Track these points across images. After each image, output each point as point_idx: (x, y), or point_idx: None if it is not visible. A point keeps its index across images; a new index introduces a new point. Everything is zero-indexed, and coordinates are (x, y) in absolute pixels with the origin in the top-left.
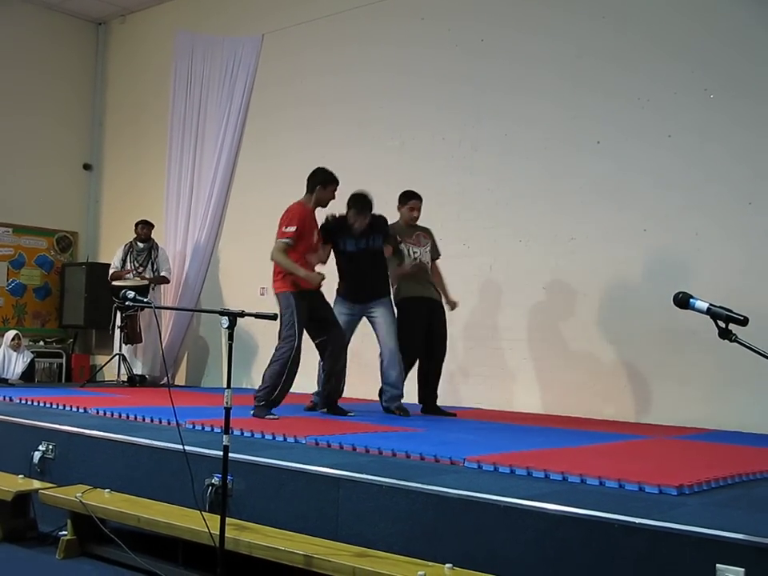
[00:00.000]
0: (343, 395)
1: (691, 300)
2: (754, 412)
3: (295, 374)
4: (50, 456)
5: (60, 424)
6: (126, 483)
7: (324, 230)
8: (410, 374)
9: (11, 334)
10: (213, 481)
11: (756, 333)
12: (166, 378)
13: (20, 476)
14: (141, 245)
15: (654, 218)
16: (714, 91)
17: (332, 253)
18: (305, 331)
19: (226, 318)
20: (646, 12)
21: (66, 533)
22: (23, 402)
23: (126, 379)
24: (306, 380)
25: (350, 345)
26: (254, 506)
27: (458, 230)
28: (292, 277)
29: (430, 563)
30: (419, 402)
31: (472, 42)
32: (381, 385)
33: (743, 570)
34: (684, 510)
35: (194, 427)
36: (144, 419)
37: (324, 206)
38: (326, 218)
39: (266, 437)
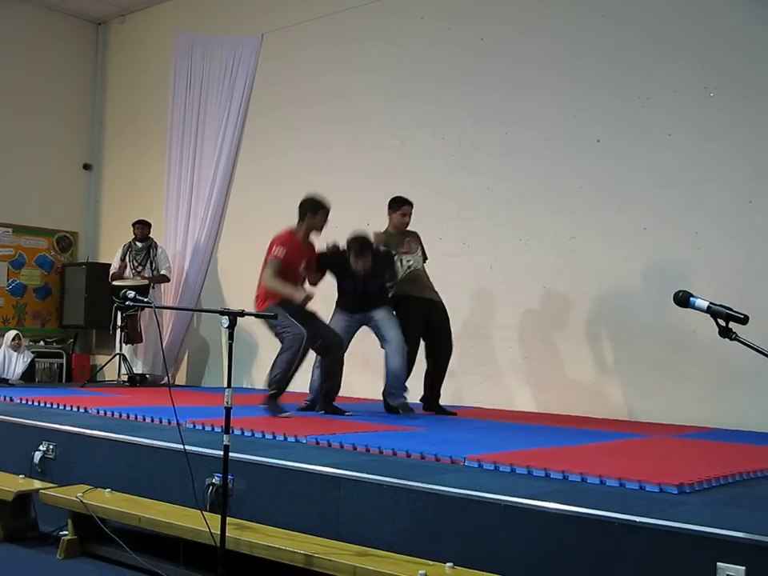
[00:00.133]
0: (347, 395)
1: (691, 299)
2: (755, 410)
3: (303, 360)
4: (50, 456)
5: (60, 424)
6: (127, 483)
7: (321, 262)
8: (413, 373)
9: (11, 334)
10: (213, 480)
11: (756, 331)
12: (166, 378)
13: (21, 476)
14: (139, 244)
15: (654, 218)
16: (714, 90)
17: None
18: None
19: (227, 317)
20: (646, 11)
21: (66, 533)
22: (24, 402)
23: (126, 379)
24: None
25: (351, 344)
26: (255, 506)
27: (457, 229)
28: (275, 296)
29: (431, 562)
30: (421, 400)
31: (472, 41)
32: (384, 384)
33: (744, 568)
34: (685, 509)
35: (194, 427)
36: (144, 419)
37: (318, 232)
38: (326, 248)
39: (266, 436)
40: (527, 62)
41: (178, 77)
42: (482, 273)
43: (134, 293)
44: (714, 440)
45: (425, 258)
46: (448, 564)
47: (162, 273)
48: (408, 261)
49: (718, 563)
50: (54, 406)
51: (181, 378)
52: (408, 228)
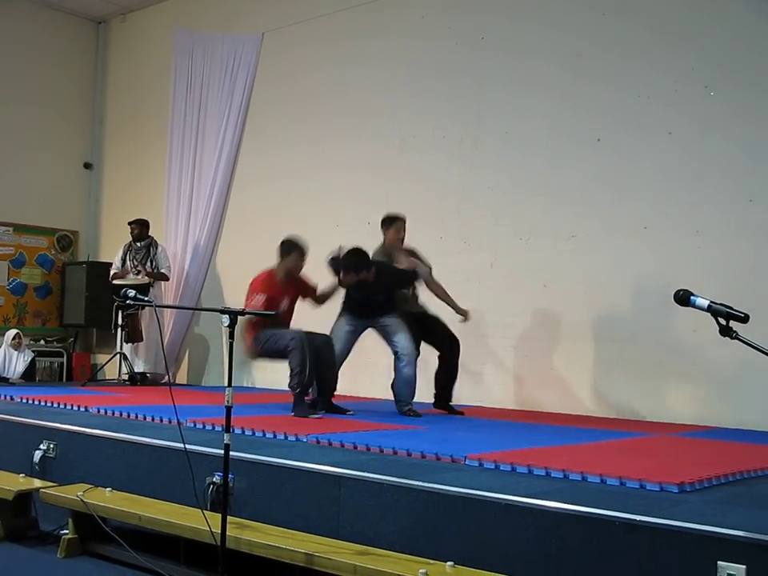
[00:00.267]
0: (350, 394)
1: (692, 297)
2: (755, 409)
3: (315, 357)
4: (50, 455)
5: (61, 423)
6: (127, 482)
7: (332, 267)
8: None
9: (12, 333)
10: (214, 479)
11: (757, 330)
12: (166, 377)
13: (21, 475)
14: (139, 243)
15: (655, 215)
16: (715, 85)
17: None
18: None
19: (227, 316)
20: (646, 5)
21: (67, 532)
22: (24, 401)
23: (126, 378)
24: None
25: (356, 342)
26: (255, 505)
27: (458, 227)
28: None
29: (432, 561)
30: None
31: (472, 36)
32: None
33: (744, 567)
34: (685, 508)
35: (195, 426)
36: (145, 418)
37: (294, 275)
38: (333, 256)
39: (266, 435)
40: (528, 57)
41: (179, 75)
42: (483, 271)
43: (134, 291)
44: (715, 439)
45: (430, 269)
46: (449, 563)
47: (162, 271)
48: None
49: (718, 562)
50: (55, 405)
51: (181, 377)
52: (405, 232)
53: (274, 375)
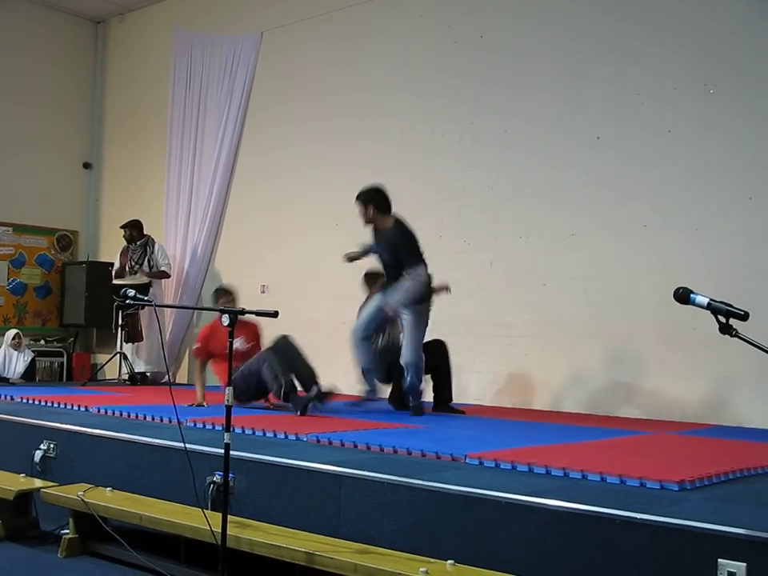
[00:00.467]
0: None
1: (692, 295)
2: (755, 407)
3: (284, 366)
4: (51, 455)
5: (61, 423)
6: (128, 481)
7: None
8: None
9: (12, 333)
10: (214, 478)
11: (757, 327)
12: (167, 376)
13: (21, 475)
14: (135, 244)
15: (654, 213)
16: (715, 84)
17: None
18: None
19: (227, 315)
20: (645, 5)
21: (67, 531)
22: (24, 401)
23: (127, 377)
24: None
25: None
26: (256, 504)
27: (458, 227)
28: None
29: (432, 559)
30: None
31: (471, 34)
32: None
33: (745, 564)
34: (686, 506)
35: (195, 425)
36: (145, 417)
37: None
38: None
39: (267, 434)
40: (527, 56)
41: (178, 74)
42: (483, 270)
43: (134, 291)
44: (715, 437)
45: None
46: (449, 561)
47: (161, 269)
48: None
49: (719, 560)
50: (55, 405)
51: (182, 377)
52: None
53: None
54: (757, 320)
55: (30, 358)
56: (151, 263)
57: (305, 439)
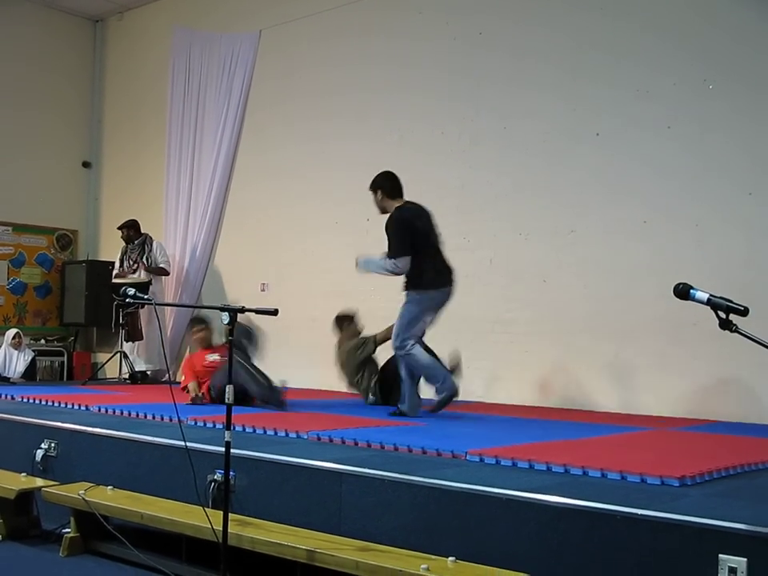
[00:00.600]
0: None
1: (692, 291)
2: (756, 403)
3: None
4: (52, 454)
5: (62, 422)
6: (129, 480)
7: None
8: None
9: (12, 332)
10: (215, 477)
11: (756, 323)
12: (167, 375)
13: (23, 474)
14: (132, 243)
15: (654, 210)
16: (714, 81)
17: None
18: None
19: (227, 313)
20: (645, 2)
21: (69, 530)
22: (25, 400)
23: (127, 376)
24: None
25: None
26: (257, 502)
27: (457, 224)
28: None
29: (433, 556)
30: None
31: (470, 32)
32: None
33: (745, 560)
34: (686, 501)
35: (195, 423)
36: (146, 416)
37: (204, 344)
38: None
39: (267, 432)
40: (526, 55)
41: (177, 73)
42: (482, 267)
43: (133, 290)
44: (715, 432)
45: None
46: (450, 558)
47: (160, 266)
48: None
49: (719, 555)
50: (56, 404)
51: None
52: None
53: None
54: (756, 315)
55: (30, 358)
56: (150, 261)
57: (305, 437)
